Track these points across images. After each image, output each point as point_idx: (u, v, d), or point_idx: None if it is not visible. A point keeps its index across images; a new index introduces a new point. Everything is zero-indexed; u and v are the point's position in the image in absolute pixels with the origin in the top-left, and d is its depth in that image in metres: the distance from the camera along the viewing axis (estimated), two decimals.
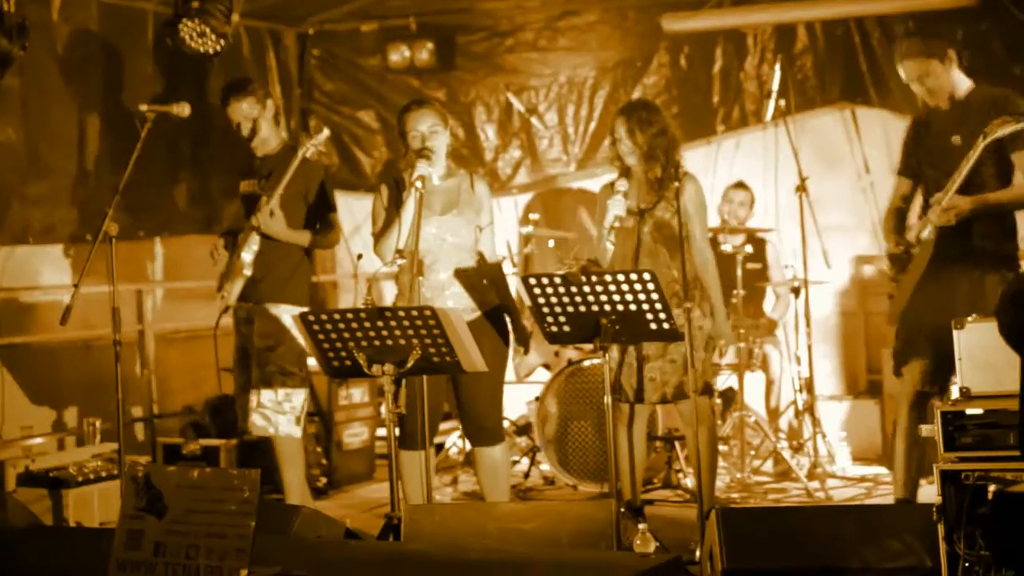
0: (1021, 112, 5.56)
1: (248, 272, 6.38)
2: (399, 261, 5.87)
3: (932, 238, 5.82)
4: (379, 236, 5.94)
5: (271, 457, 6.64)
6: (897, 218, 6.26)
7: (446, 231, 5.86)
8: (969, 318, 5.09)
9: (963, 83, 5.95)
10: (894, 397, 7.82)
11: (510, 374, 7.08)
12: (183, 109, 6.29)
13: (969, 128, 5.82)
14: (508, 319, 6.05)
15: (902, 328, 6.01)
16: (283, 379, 6.41)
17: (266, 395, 6.43)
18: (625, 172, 6.12)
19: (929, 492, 5.86)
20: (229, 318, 6.71)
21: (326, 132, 6.39)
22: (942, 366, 5.87)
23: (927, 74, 5.91)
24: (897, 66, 6.08)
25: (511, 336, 6.05)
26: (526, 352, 6.28)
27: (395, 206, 5.89)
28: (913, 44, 5.97)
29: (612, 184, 6.12)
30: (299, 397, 6.49)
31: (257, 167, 6.64)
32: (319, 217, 6.56)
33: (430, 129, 5.88)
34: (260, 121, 6.58)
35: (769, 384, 8.29)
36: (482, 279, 5.96)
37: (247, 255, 6.36)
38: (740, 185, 8.63)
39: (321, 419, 8.12)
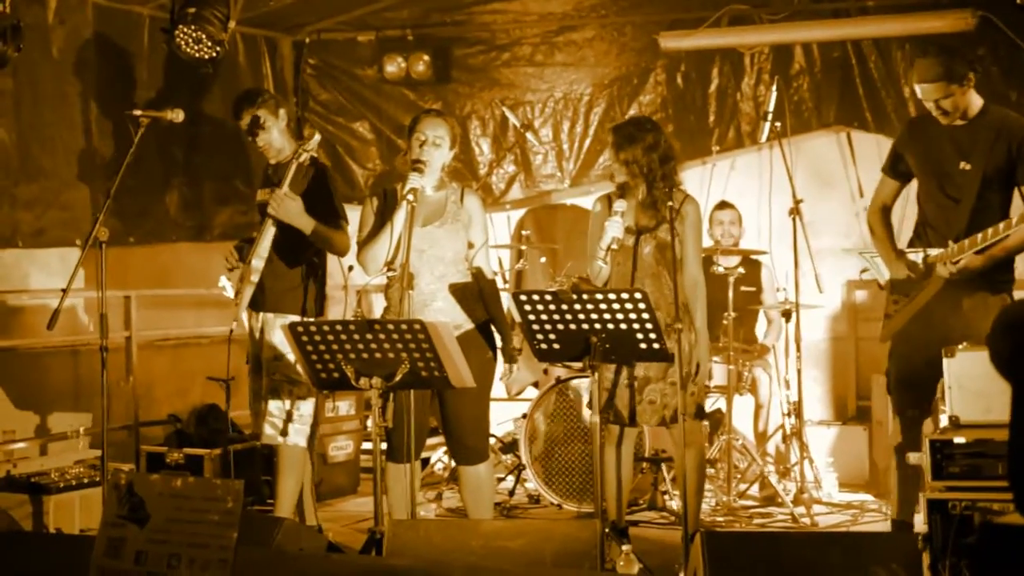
0: None
1: (255, 279, 6.33)
2: (388, 273, 5.85)
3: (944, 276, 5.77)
4: (363, 245, 5.89)
5: (258, 467, 6.60)
6: (884, 218, 6.17)
7: (424, 243, 5.80)
8: (960, 346, 5.08)
9: (976, 102, 5.81)
10: (883, 424, 7.82)
11: (501, 391, 7.06)
12: (177, 115, 6.26)
13: (977, 153, 5.75)
14: (498, 335, 6.02)
15: (899, 349, 5.96)
16: (291, 388, 6.36)
17: (274, 404, 6.39)
18: (622, 190, 6.07)
19: (916, 520, 5.84)
20: (240, 327, 6.64)
21: (318, 137, 6.30)
22: (930, 390, 5.86)
23: (945, 96, 5.72)
24: (915, 86, 5.87)
25: (499, 352, 6.02)
26: (511, 368, 6.21)
27: (382, 217, 5.86)
28: (932, 66, 5.74)
29: (607, 198, 6.08)
30: (308, 406, 6.45)
31: (270, 175, 6.60)
32: (326, 221, 6.50)
33: (434, 136, 5.86)
34: (273, 130, 6.53)
35: (758, 408, 8.25)
36: (471, 293, 5.92)
37: (257, 261, 6.32)
38: (725, 205, 8.61)
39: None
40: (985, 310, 5.71)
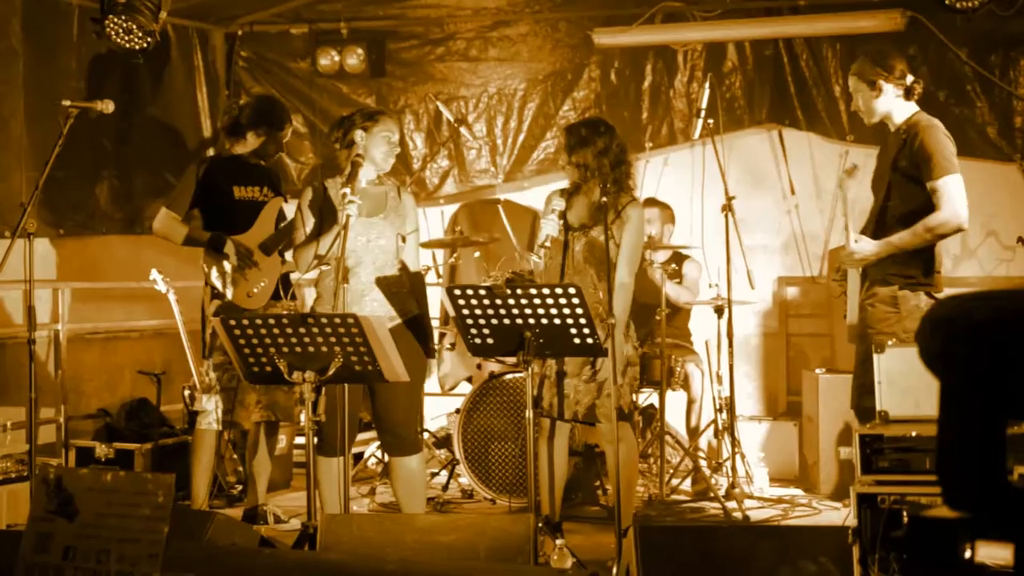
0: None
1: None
2: (322, 267, 5.82)
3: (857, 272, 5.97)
4: (301, 245, 5.88)
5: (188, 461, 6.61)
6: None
7: (372, 233, 5.83)
8: (890, 342, 5.15)
9: (902, 112, 6.00)
10: (813, 420, 7.90)
11: (435, 386, 7.05)
12: (107, 106, 6.20)
13: (890, 155, 5.98)
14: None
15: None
16: None
17: None
18: (575, 189, 6.09)
19: (846, 514, 5.89)
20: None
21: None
22: None
23: (855, 92, 6.06)
24: None
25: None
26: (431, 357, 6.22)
27: (319, 211, 5.84)
28: (856, 62, 6.10)
29: (555, 195, 6.09)
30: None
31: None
32: None
33: (396, 138, 5.99)
34: None
35: (690, 403, 8.28)
36: (403, 287, 5.92)
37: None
38: (650, 202, 8.35)
39: (239, 425, 8.01)
40: (873, 300, 5.87)
